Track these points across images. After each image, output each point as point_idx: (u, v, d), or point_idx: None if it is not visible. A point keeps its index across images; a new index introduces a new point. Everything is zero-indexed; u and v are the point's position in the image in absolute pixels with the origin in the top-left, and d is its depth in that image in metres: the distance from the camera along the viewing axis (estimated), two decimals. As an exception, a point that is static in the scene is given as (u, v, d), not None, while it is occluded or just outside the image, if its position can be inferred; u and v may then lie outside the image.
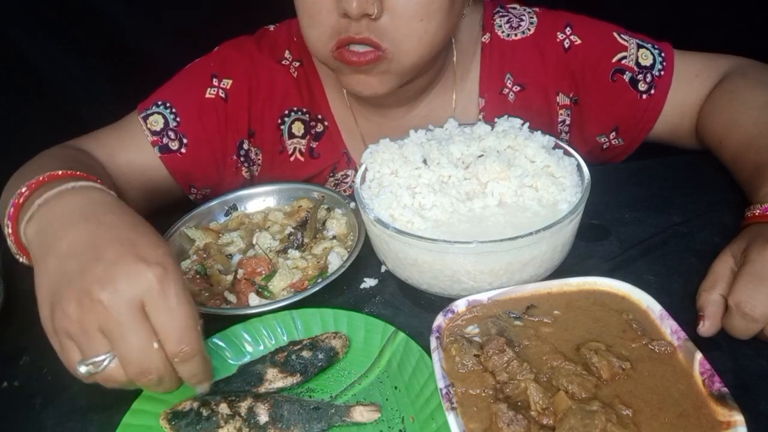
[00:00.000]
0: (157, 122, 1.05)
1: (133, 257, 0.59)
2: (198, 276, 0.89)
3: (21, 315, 0.87)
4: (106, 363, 0.58)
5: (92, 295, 0.57)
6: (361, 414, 0.66)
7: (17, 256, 0.77)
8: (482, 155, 0.85)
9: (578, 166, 0.84)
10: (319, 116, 1.13)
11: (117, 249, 0.60)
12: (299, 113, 1.12)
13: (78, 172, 0.77)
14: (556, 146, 0.88)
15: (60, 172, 0.76)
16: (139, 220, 0.67)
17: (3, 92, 1.48)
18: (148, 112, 1.06)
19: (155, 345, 0.58)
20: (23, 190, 0.74)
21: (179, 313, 0.59)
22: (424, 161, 0.86)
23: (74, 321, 0.58)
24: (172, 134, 1.06)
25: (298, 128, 1.13)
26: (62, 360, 0.61)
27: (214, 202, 1.02)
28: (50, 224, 0.66)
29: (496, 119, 0.94)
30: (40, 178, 0.74)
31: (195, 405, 0.65)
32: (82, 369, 0.58)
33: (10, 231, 0.74)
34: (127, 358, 0.58)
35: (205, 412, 0.65)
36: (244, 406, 0.66)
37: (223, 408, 0.65)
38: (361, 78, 0.92)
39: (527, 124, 0.91)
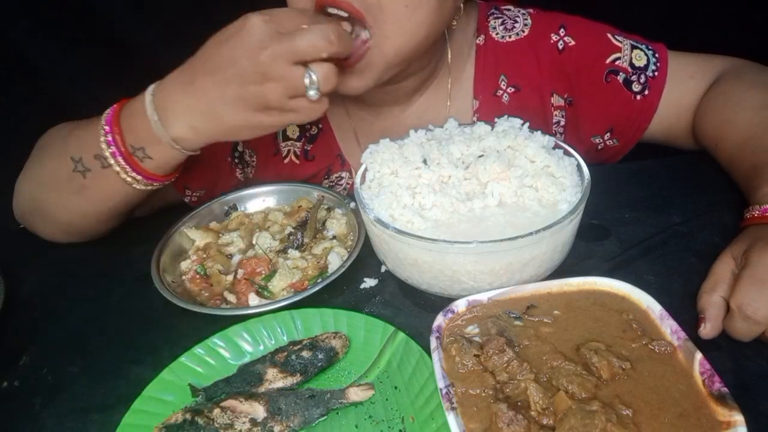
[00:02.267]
0: None
1: (235, 30, 0.76)
2: (198, 276, 0.89)
3: (21, 315, 0.87)
4: (313, 73, 0.74)
5: (257, 64, 0.73)
6: (356, 394, 0.67)
7: (134, 183, 0.88)
8: (482, 155, 0.85)
9: (578, 166, 0.84)
10: None
11: (218, 44, 0.78)
12: None
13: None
14: (556, 146, 0.88)
15: (118, 104, 0.88)
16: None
17: (3, 92, 1.48)
18: None
19: (304, 26, 0.74)
20: (104, 124, 0.85)
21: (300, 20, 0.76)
22: (424, 161, 0.86)
23: (275, 85, 0.74)
24: None
25: (292, 130, 1.13)
26: (305, 115, 0.78)
27: (214, 202, 1.02)
28: (173, 107, 0.81)
29: (496, 119, 0.94)
30: (113, 108, 0.87)
31: (188, 416, 0.64)
32: (311, 92, 0.75)
33: (120, 156, 0.85)
34: (311, 48, 0.73)
35: (200, 421, 0.64)
36: (239, 407, 0.65)
37: (217, 414, 0.65)
38: (339, 78, 0.90)
39: (527, 124, 0.91)
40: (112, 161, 0.85)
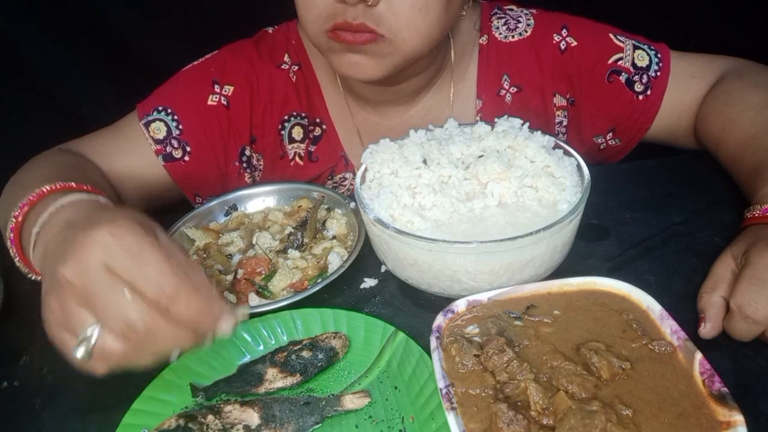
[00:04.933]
0: (159, 130, 1.05)
1: (84, 230, 0.57)
2: (198, 276, 0.89)
3: (21, 315, 0.87)
4: (95, 334, 0.55)
5: (58, 276, 0.56)
6: (351, 401, 0.67)
7: (29, 275, 0.81)
8: (482, 155, 0.85)
9: (578, 166, 0.84)
10: (317, 120, 1.13)
11: (77, 231, 0.58)
12: (298, 118, 1.12)
13: (68, 184, 0.79)
14: (556, 146, 0.88)
15: (47, 189, 0.78)
16: (115, 208, 0.70)
17: (3, 92, 1.48)
18: (149, 118, 1.05)
19: (128, 295, 0.54)
20: (16, 213, 0.78)
21: (144, 258, 0.55)
22: (424, 161, 0.86)
23: (56, 308, 0.57)
24: (175, 142, 1.06)
25: (297, 133, 1.13)
26: (66, 356, 0.58)
27: (214, 202, 1.02)
28: (47, 245, 0.69)
29: (496, 119, 0.94)
30: (31, 198, 0.77)
31: (182, 421, 0.64)
32: (78, 352, 0.55)
33: (16, 256, 0.79)
34: (107, 318, 0.55)
35: (193, 426, 0.64)
36: (233, 413, 0.65)
37: (211, 420, 0.64)
38: (355, 59, 0.90)
39: (527, 124, 0.91)
40: (8, 243, 0.80)
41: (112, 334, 0.56)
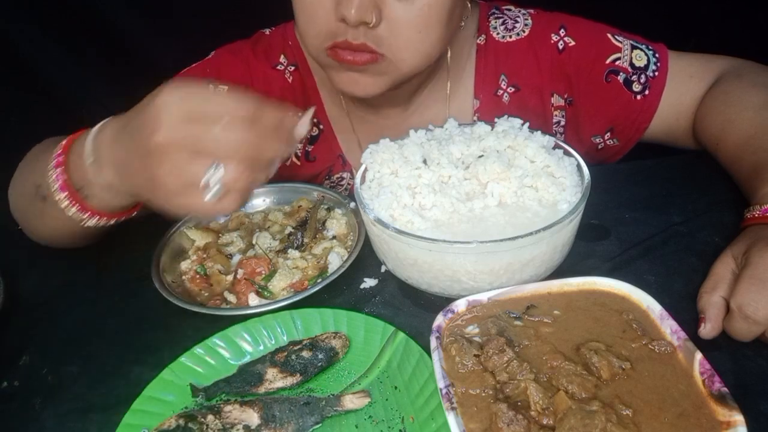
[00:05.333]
0: None
1: (146, 106, 0.64)
2: (198, 276, 0.89)
3: (21, 315, 0.87)
4: (218, 170, 0.61)
5: (155, 146, 0.61)
6: (351, 401, 0.67)
7: (86, 221, 0.79)
8: (482, 155, 0.85)
9: (578, 166, 0.84)
10: (315, 120, 1.13)
11: (136, 117, 0.66)
12: None
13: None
14: (556, 146, 0.88)
15: (76, 132, 0.80)
16: None
17: (3, 92, 1.48)
18: None
19: (227, 120, 0.61)
20: (57, 152, 0.78)
21: (215, 96, 0.63)
22: (424, 161, 0.86)
23: (168, 175, 0.62)
24: None
25: None
26: (198, 211, 0.64)
27: (214, 202, 1.02)
28: (114, 151, 0.71)
29: (496, 119, 0.94)
30: (66, 141, 0.79)
31: (181, 421, 0.64)
32: (209, 195, 0.62)
33: (69, 202, 0.77)
34: (221, 148, 0.61)
35: (193, 426, 0.64)
36: (233, 413, 0.65)
37: (210, 420, 0.64)
38: (354, 76, 0.91)
39: (527, 124, 0.91)
40: (58, 197, 0.78)
41: (230, 163, 0.62)
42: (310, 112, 0.68)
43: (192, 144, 0.61)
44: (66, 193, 0.77)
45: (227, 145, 0.61)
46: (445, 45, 0.95)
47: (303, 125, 0.67)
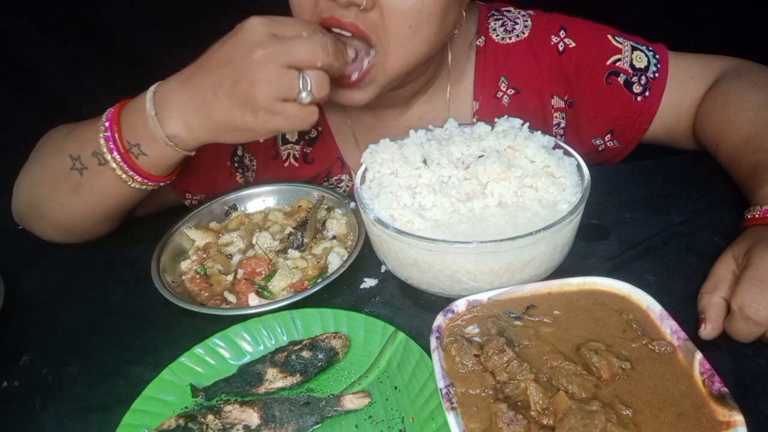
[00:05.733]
0: None
1: (232, 36, 0.79)
2: (198, 276, 0.89)
3: (21, 315, 0.87)
4: (310, 75, 0.76)
5: (253, 60, 0.74)
6: (351, 401, 0.67)
7: (131, 182, 0.88)
8: (482, 155, 0.85)
9: (578, 166, 0.84)
10: None
11: (218, 50, 0.80)
12: None
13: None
14: (556, 146, 0.88)
15: (118, 103, 0.89)
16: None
17: (3, 92, 1.48)
18: None
19: (303, 33, 0.77)
20: (104, 122, 0.86)
21: (286, 19, 0.79)
22: (424, 161, 0.86)
23: (269, 80, 0.74)
24: None
25: (291, 134, 1.13)
26: (292, 121, 0.78)
27: (214, 202, 1.02)
28: (187, 90, 0.82)
29: (496, 119, 0.93)
30: (113, 109, 0.87)
31: (181, 421, 0.64)
32: (303, 95, 0.76)
33: (119, 155, 0.85)
34: (310, 53, 0.75)
35: (193, 426, 0.64)
36: (233, 413, 0.65)
37: (210, 420, 0.64)
38: (339, 90, 0.89)
39: (527, 125, 0.91)
40: (108, 157, 0.85)
41: (317, 65, 0.76)
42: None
43: (284, 55, 0.74)
44: (116, 154, 0.84)
45: (312, 52, 0.75)
46: (435, 47, 0.94)
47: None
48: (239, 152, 1.12)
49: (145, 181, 0.88)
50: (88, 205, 0.92)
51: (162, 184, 0.92)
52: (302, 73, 0.75)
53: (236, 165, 1.13)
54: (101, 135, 0.85)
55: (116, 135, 0.85)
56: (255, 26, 0.75)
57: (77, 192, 0.90)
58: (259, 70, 0.74)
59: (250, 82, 0.75)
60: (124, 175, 0.86)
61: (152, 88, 0.85)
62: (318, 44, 0.75)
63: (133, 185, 0.88)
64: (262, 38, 0.75)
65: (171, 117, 0.82)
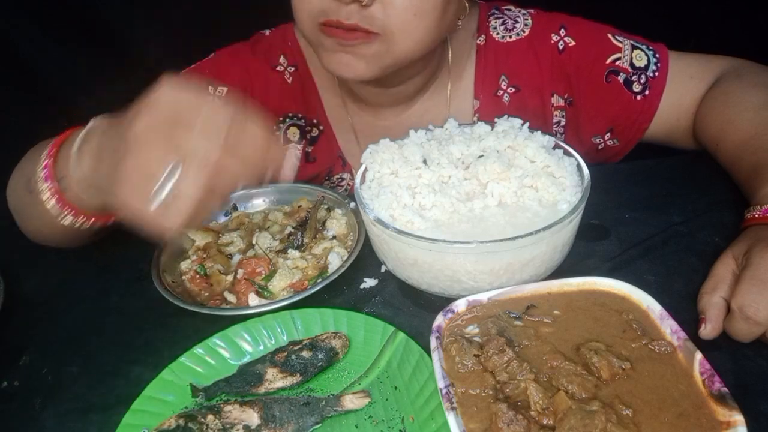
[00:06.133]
0: None
1: (144, 100, 0.62)
2: (198, 276, 0.89)
3: (21, 315, 0.87)
4: (176, 172, 0.58)
5: (134, 133, 0.60)
6: (351, 401, 0.67)
7: (62, 217, 0.78)
8: (482, 155, 0.85)
9: (578, 166, 0.84)
10: (314, 120, 1.13)
11: (130, 111, 0.63)
12: (294, 119, 1.12)
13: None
14: (556, 146, 0.88)
15: (70, 129, 0.80)
16: None
17: (3, 92, 1.48)
18: None
19: (200, 127, 0.60)
20: (47, 150, 0.78)
21: (209, 103, 0.61)
22: (424, 161, 0.86)
23: (135, 166, 0.60)
24: None
25: (293, 133, 1.13)
26: (142, 218, 0.60)
27: (214, 202, 1.02)
28: (99, 144, 0.71)
29: (496, 119, 0.94)
30: (60, 137, 0.79)
31: (181, 421, 0.64)
32: (157, 199, 0.58)
33: (51, 189, 0.77)
34: (186, 152, 0.59)
35: (193, 426, 0.64)
36: (233, 413, 0.65)
37: (210, 420, 0.64)
38: (345, 58, 0.89)
39: (527, 124, 0.91)
40: (41, 186, 0.77)
41: (190, 168, 0.59)
42: (293, 153, 0.65)
43: (165, 140, 0.59)
44: (48, 183, 0.77)
45: (195, 148, 0.59)
46: (439, 36, 0.94)
47: (291, 166, 0.64)
48: None
49: (79, 218, 0.78)
50: (43, 226, 0.86)
51: (97, 224, 0.81)
52: (173, 165, 0.59)
53: None
54: (41, 162, 0.77)
55: (51, 167, 0.77)
56: (158, 98, 0.61)
57: (30, 213, 0.85)
58: (134, 145, 0.60)
59: (123, 154, 0.61)
60: (55, 208, 0.77)
61: (91, 121, 0.74)
62: (205, 145, 0.59)
63: (65, 222, 0.78)
64: (156, 113, 0.61)
65: (85, 158, 0.72)
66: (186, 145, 0.59)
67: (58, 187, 0.76)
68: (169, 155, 0.59)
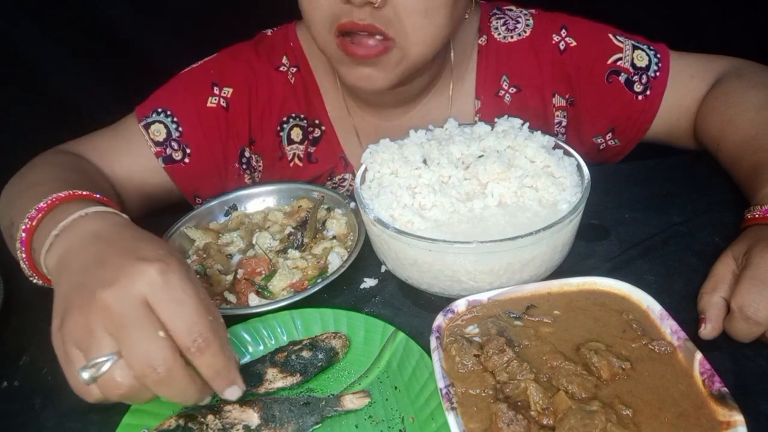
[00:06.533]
0: (159, 132, 1.05)
1: (134, 258, 0.59)
2: (198, 276, 0.89)
3: (21, 315, 0.87)
4: (108, 363, 0.55)
5: (96, 296, 0.56)
6: (351, 401, 0.67)
7: (31, 278, 0.78)
8: (482, 155, 0.85)
9: (578, 166, 0.84)
10: (317, 121, 1.13)
11: (120, 255, 0.60)
12: (297, 119, 1.12)
13: (85, 193, 0.77)
14: (556, 146, 0.88)
15: (64, 194, 0.75)
16: (146, 233, 0.67)
17: (3, 92, 1.48)
18: (149, 120, 1.05)
19: (161, 333, 0.55)
20: (33, 213, 0.74)
21: (186, 304, 0.57)
22: (424, 161, 0.86)
23: (80, 326, 0.56)
24: (175, 144, 1.06)
25: (296, 134, 1.13)
26: (66, 373, 0.58)
27: (214, 202, 1.02)
28: (67, 251, 0.66)
29: (496, 119, 0.94)
30: (49, 201, 0.74)
31: (181, 421, 0.64)
32: (84, 375, 0.55)
33: (24, 256, 0.75)
34: (132, 351, 0.55)
35: (193, 426, 0.63)
36: (233, 413, 0.65)
37: (210, 420, 0.64)
38: (365, 72, 0.91)
39: (527, 125, 0.91)
40: (17, 244, 0.75)
41: (128, 369, 0.55)
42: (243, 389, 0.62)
43: (118, 325, 0.55)
44: (23, 247, 0.75)
45: (144, 353, 0.55)
46: (450, 33, 0.95)
47: (235, 391, 0.60)
48: (246, 153, 1.12)
49: (46, 283, 0.75)
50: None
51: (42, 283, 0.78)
52: (114, 356, 0.55)
53: (244, 166, 1.13)
54: (24, 221, 0.74)
55: (30, 232, 0.74)
56: (140, 278, 0.57)
57: (13, 250, 0.82)
58: (88, 307, 0.56)
59: (75, 307, 0.57)
60: (26, 270, 0.77)
61: (83, 211, 0.69)
62: (152, 350, 0.55)
63: (33, 280, 0.78)
64: (128, 293, 0.56)
65: (54, 254, 0.67)
66: (140, 343, 0.55)
67: (31, 255, 0.75)
68: (111, 343, 0.55)
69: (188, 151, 1.06)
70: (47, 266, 0.69)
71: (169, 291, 0.57)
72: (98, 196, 0.78)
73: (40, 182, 0.82)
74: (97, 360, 0.55)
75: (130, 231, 0.67)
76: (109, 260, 0.60)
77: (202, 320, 0.57)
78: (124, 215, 0.72)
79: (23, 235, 0.74)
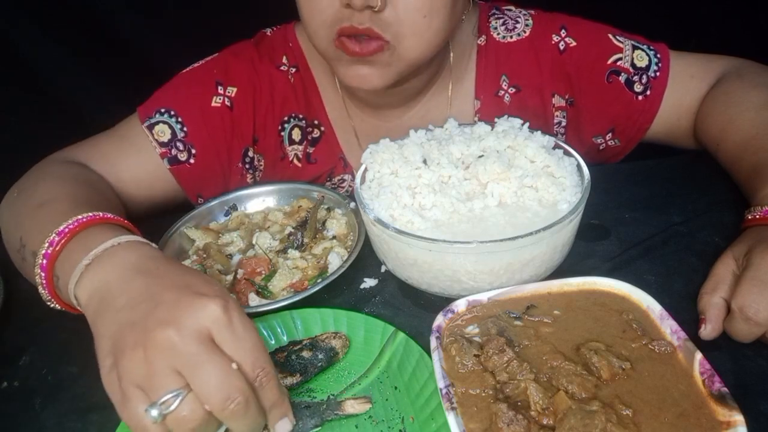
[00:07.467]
0: (163, 133, 1.04)
1: (193, 295, 0.58)
2: (198, 276, 0.89)
3: (21, 315, 0.87)
4: (179, 400, 0.54)
5: (158, 335, 0.55)
6: (352, 406, 0.67)
7: (49, 303, 0.74)
8: (482, 155, 0.85)
9: (578, 166, 0.84)
10: (316, 122, 1.13)
11: (175, 292, 0.59)
12: (296, 119, 1.12)
13: (109, 215, 0.74)
14: (556, 146, 0.88)
15: (85, 218, 0.72)
16: (188, 268, 0.67)
17: (3, 92, 1.48)
18: (152, 120, 1.04)
19: (234, 366, 0.56)
20: (54, 238, 0.70)
21: (249, 338, 0.58)
22: (424, 161, 0.86)
23: (139, 365, 0.55)
24: (180, 145, 1.05)
25: (297, 134, 1.13)
26: (122, 413, 0.56)
27: (214, 202, 1.02)
28: (105, 284, 0.63)
29: (496, 119, 0.94)
30: (72, 226, 0.71)
31: None
32: (153, 413, 0.54)
33: (44, 282, 0.71)
34: (206, 387, 0.55)
35: None
36: None
37: None
38: (361, 70, 0.91)
39: (527, 124, 0.91)
40: (36, 270, 0.71)
41: (198, 403, 0.55)
42: (288, 425, 0.63)
43: (187, 363, 0.55)
44: (44, 273, 0.71)
45: (220, 387, 0.55)
46: (448, 35, 0.95)
47: (286, 424, 0.62)
48: (250, 153, 1.12)
49: (65, 308, 0.74)
50: (29, 277, 0.80)
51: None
52: (183, 392, 0.55)
53: (247, 166, 1.12)
54: (44, 246, 0.70)
55: (51, 260, 0.70)
56: (206, 318, 0.57)
57: (22, 269, 0.82)
58: (145, 348, 0.55)
59: (134, 349, 0.56)
60: (45, 295, 0.73)
61: (115, 240, 0.66)
62: (222, 384, 0.55)
63: (50, 305, 0.74)
64: (198, 333, 0.56)
65: (89, 283, 0.65)
66: (214, 379, 0.55)
67: (52, 281, 0.71)
68: (178, 380, 0.55)
69: (193, 151, 1.06)
70: (78, 297, 0.66)
71: (232, 326, 0.57)
72: (123, 220, 0.75)
73: (53, 199, 0.80)
74: (165, 398, 0.55)
75: (173, 265, 0.65)
76: (163, 296, 0.59)
77: (263, 355, 0.59)
78: (154, 245, 0.71)
79: (43, 261, 0.70)
